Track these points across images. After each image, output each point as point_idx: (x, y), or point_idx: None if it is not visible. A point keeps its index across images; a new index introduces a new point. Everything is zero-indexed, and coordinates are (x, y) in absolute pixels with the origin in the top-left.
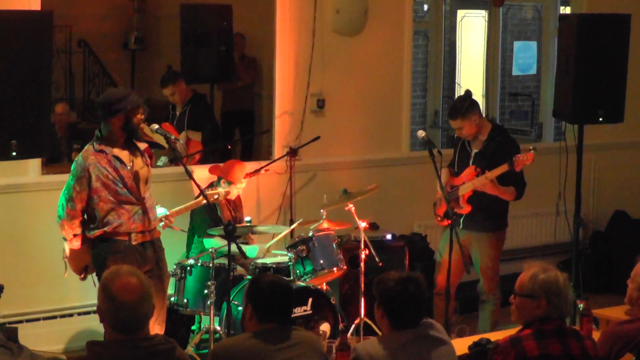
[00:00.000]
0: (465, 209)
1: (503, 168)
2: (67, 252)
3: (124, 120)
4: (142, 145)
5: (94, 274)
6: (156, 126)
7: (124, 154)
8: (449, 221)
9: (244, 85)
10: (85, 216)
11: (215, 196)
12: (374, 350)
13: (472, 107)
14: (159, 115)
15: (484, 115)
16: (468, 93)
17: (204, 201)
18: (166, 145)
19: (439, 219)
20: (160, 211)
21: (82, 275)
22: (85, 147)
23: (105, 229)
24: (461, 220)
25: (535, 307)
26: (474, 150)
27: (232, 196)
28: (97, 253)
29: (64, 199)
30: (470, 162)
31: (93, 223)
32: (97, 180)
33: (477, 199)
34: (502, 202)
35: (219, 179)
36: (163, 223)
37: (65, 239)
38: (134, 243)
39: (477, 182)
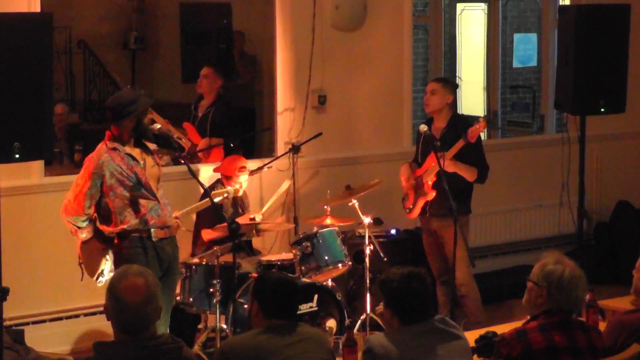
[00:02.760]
0: (430, 194)
1: (459, 144)
2: (81, 257)
3: (135, 122)
4: (152, 146)
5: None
6: (158, 125)
7: (135, 152)
8: (417, 212)
9: (243, 82)
10: (97, 215)
11: (225, 194)
12: (386, 342)
13: (452, 88)
14: (163, 113)
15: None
16: (455, 83)
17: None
18: (186, 146)
19: (407, 211)
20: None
21: (97, 280)
22: (98, 146)
23: (125, 227)
24: (427, 208)
25: (538, 295)
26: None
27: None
28: (118, 252)
29: (72, 193)
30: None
31: (110, 220)
32: (111, 177)
33: (441, 184)
34: (466, 186)
35: (223, 187)
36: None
37: (74, 230)
38: (154, 240)
39: (435, 165)
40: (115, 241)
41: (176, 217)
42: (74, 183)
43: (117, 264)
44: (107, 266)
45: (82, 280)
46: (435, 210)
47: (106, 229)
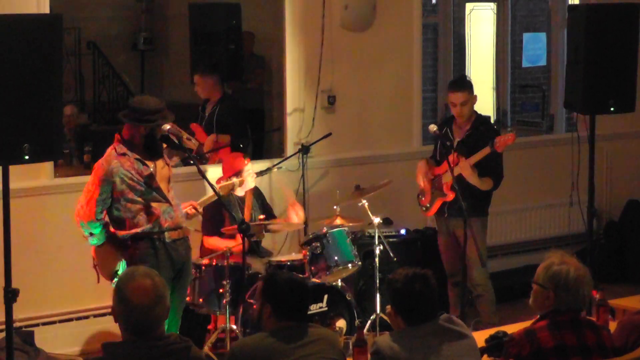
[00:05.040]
0: (449, 196)
1: (485, 151)
2: (96, 259)
3: (148, 131)
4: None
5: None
6: (167, 126)
7: (144, 156)
8: (434, 211)
9: (253, 86)
10: (110, 220)
11: (232, 187)
12: (394, 343)
13: (473, 87)
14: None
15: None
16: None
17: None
18: (194, 147)
19: (424, 209)
20: (185, 206)
21: (113, 281)
22: (107, 152)
23: (139, 231)
24: (445, 208)
25: (545, 297)
26: (457, 139)
27: (251, 185)
28: (132, 254)
29: (84, 199)
30: (453, 150)
31: (122, 225)
32: (122, 183)
33: (460, 185)
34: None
35: (229, 180)
36: (188, 212)
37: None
38: (168, 241)
39: (459, 167)
40: (129, 243)
41: (195, 207)
42: (85, 188)
43: (130, 263)
44: (121, 267)
45: (98, 282)
46: (454, 211)
47: (120, 233)
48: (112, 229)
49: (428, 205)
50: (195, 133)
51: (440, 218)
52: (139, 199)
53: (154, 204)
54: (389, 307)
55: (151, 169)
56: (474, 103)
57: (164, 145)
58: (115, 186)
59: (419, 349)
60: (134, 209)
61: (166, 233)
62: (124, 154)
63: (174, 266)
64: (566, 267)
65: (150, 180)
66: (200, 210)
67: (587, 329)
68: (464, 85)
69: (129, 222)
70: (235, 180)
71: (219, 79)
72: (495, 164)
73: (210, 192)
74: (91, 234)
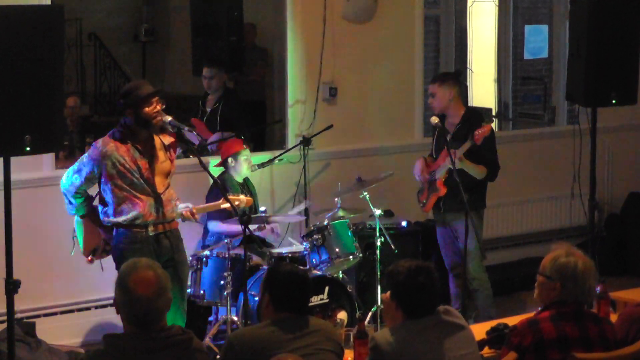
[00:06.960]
0: (442, 191)
1: (467, 145)
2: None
3: (133, 115)
4: (168, 140)
5: (102, 260)
6: (169, 118)
7: (145, 145)
8: (430, 206)
9: (254, 79)
10: (99, 198)
11: (237, 202)
12: (392, 338)
13: (453, 81)
14: (173, 106)
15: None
16: (457, 71)
17: (226, 204)
18: (196, 140)
19: (421, 205)
20: (182, 206)
21: (89, 258)
22: (109, 133)
23: (121, 220)
24: (441, 203)
25: (551, 288)
26: (449, 135)
27: (246, 172)
28: (115, 245)
29: (72, 170)
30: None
31: (107, 208)
32: (113, 167)
33: (454, 179)
34: (479, 181)
35: (225, 161)
36: (184, 213)
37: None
38: (151, 234)
39: (448, 161)
40: (113, 231)
41: (191, 211)
42: (80, 159)
43: (113, 254)
44: (100, 246)
45: (72, 254)
46: (449, 205)
47: (104, 219)
48: (100, 209)
49: (425, 201)
50: (196, 128)
51: (437, 213)
52: (127, 187)
53: (141, 196)
54: (386, 296)
55: (147, 160)
56: (448, 97)
57: (171, 139)
58: (106, 169)
59: (419, 343)
60: (120, 195)
61: (149, 227)
62: (122, 139)
63: (159, 258)
64: (574, 259)
65: (142, 170)
66: (197, 217)
67: (590, 322)
68: (436, 78)
69: (113, 208)
70: (242, 197)
71: (229, 75)
72: (487, 153)
73: (203, 195)
74: (70, 202)
